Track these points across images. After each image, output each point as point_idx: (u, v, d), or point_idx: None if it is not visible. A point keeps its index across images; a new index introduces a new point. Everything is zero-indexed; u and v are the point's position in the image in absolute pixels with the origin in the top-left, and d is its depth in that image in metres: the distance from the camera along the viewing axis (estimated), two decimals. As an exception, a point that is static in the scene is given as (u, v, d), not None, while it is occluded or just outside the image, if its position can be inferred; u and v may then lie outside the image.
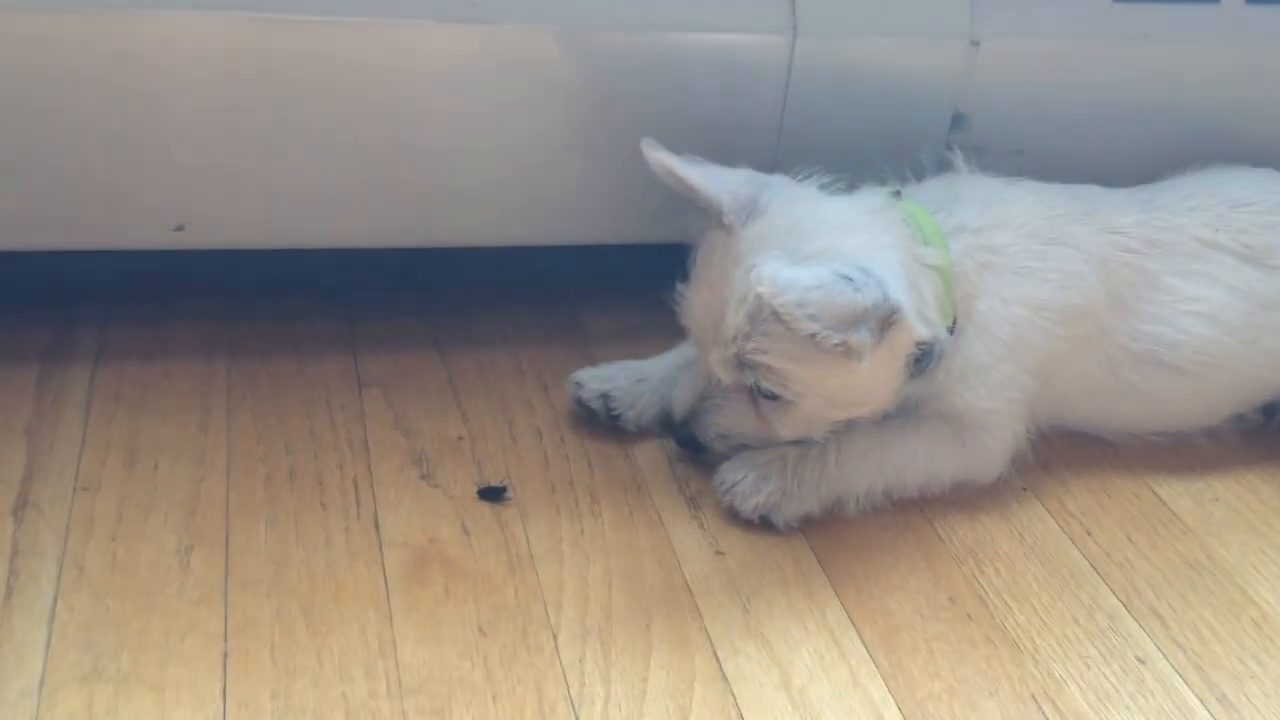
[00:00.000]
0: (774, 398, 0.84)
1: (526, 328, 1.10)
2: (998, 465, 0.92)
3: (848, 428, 0.88)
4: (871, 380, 0.82)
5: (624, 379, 0.97)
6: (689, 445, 0.91)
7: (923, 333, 0.79)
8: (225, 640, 0.74)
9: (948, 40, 0.99)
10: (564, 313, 1.13)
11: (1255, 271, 0.94)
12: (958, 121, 1.03)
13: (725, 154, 0.89)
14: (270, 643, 0.75)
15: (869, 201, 0.86)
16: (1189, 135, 1.07)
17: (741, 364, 0.82)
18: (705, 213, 0.85)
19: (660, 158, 0.84)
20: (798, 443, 0.89)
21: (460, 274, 1.17)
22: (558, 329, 1.10)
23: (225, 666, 0.73)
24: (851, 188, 0.89)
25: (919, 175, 0.95)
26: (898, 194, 0.90)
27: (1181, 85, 1.06)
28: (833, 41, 0.97)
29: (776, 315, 0.75)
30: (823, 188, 0.88)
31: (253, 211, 0.96)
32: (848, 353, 0.76)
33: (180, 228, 0.95)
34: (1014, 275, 0.88)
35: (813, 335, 0.75)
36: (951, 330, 0.86)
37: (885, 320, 0.77)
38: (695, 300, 0.86)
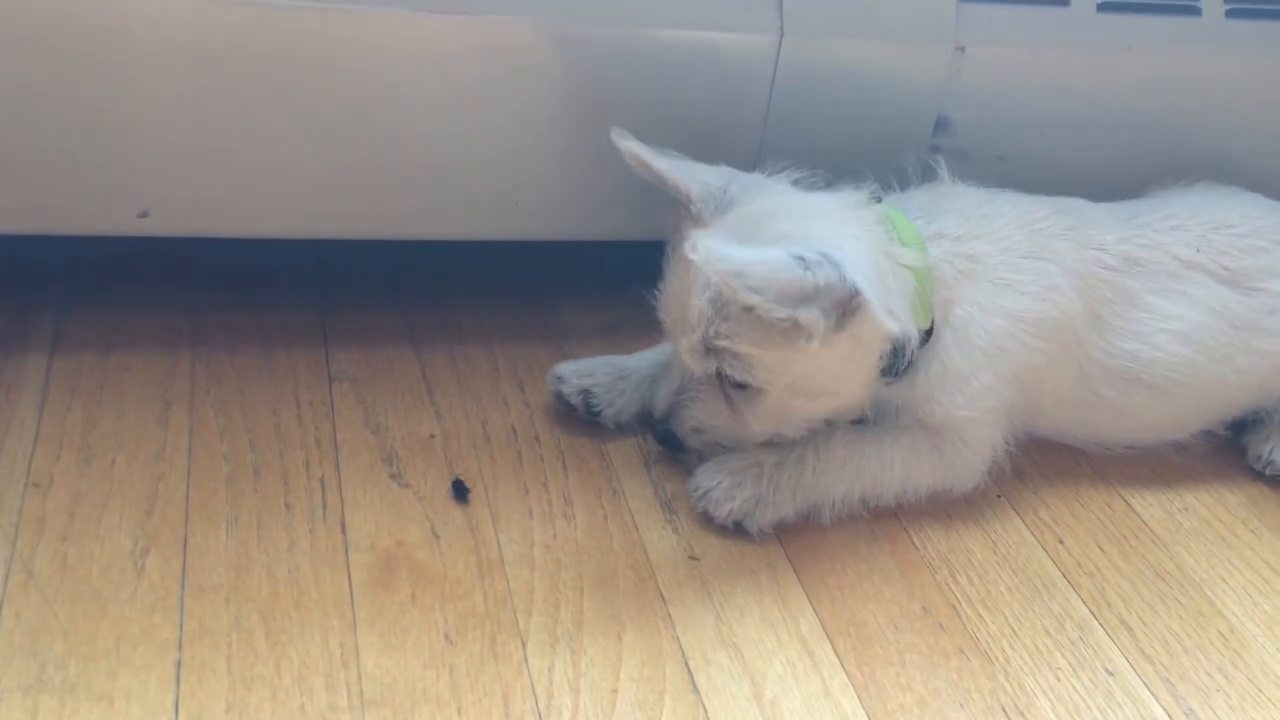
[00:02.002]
0: (742, 386, 0.83)
1: (504, 323, 1.08)
2: (976, 476, 0.92)
3: (825, 433, 0.88)
4: (837, 369, 0.82)
5: (605, 375, 0.95)
6: (668, 442, 0.90)
7: (890, 325, 0.78)
8: (179, 649, 0.72)
9: (933, 44, 0.99)
10: (542, 309, 1.11)
11: (1232, 293, 0.95)
12: (941, 125, 1.03)
13: (709, 152, 0.88)
14: (227, 652, 0.72)
15: (844, 198, 0.86)
16: (1169, 144, 1.08)
17: (708, 350, 0.81)
18: (681, 205, 0.84)
19: (629, 145, 0.83)
20: (774, 447, 0.88)
21: (437, 267, 1.14)
22: (535, 325, 1.08)
23: (178, 676, 0.70)
24: (829, 185, 0.89)
25: (904, 185, 0.94)
26: (878, 200, 0.89)
27: (1163, 95, 1.06)
28: (819, 43, 0.96)
29: (720, 292, 0.74)
30: (796, 183, 0.87)
31: (221, 198, 0.93)
32: (797, 330, 0.75)
33: (144, 213, 0.92)
34: (992, 285, 0.87)
35: (753, 308, 0.74)
36: (929, 335, 0.85)
37: (844, 304, 0.76)
38: (667, 292, 0.85)
